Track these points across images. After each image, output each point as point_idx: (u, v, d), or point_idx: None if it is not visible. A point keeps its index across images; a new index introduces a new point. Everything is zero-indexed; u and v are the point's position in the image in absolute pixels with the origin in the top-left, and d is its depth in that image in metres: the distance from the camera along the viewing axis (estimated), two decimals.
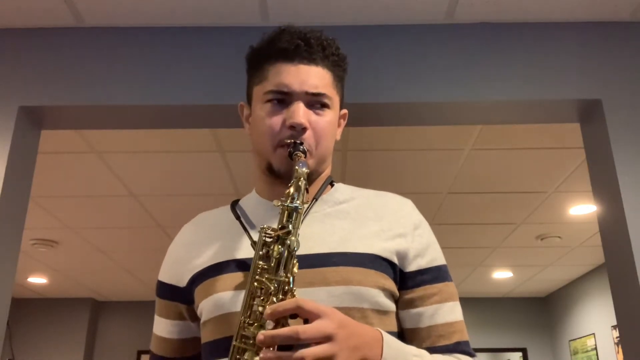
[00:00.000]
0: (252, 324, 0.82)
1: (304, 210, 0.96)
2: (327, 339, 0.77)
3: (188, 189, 3.53)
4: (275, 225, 0.88)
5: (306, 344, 0.76)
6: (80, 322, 6.53)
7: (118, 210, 3.87)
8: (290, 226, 0.85)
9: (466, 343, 0.97)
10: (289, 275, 0.83)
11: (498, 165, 3.22)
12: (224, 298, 0.92)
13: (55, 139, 2.88)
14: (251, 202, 1.06)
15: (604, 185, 1.92)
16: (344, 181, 3.38)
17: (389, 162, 3.19)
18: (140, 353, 6.62)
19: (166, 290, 1.05)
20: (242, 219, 1.01)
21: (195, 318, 1.03)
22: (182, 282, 1.01)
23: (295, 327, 0.76)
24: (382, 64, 1.97)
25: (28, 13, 1.96)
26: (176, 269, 1.04)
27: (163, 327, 1.07)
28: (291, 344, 0.76)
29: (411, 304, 0.96)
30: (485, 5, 1.94)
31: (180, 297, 1.02)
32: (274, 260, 0.84)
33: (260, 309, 0.81)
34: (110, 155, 3.09)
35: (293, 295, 0.83)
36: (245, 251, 0.96)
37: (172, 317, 1.05)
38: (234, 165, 3.21)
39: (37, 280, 5.79)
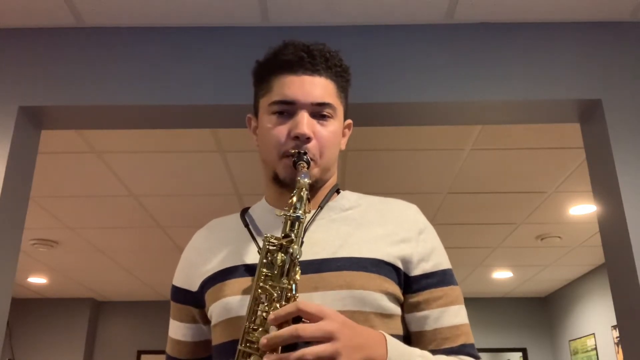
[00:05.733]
0: (256, 329, 0.84)
1: (310, 217, 0.99)
2: (329, 337, 0.78)
3: (188, 189, 3.53)
4: (279, 234, 0.90)
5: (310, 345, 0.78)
6: (80, 322, 6.53)
7: (118, 210, 3.87)
8: (293, 235, 0.88)
9: (471, 346, 0.98)
10: (291, 282, 0.86)
11: (498, 165, 3.22)
12: (231, 302, 0.95)
13: (55, 139, 2.88)
14: (260, 210, 1.09)
15: (604, 185, 1.92)
16: (344, 181, 3.38)
17: (389, 162, 3.19)
18: (140, 353, 6.62)
19: (179, 294, 1.09)
20: (250, 227, 1.04)
21: (206, 321, 1.06)
22: (194, 286, 1.05)
23: (295, 326, 0.78)
24: (382, 64, 1.97)
25: (28, 13, 1.96)
26: (188, 273, 1.07)
27: (177, 330, 1.10)
28: (295, 346, 0.78)
29: (417, 307, 0.98)
30: (485, 5, 1.94)
31: (193, 301, 1.06)
32: (277, 267, 0.86)
33: (264, 314, 0.84)
34: (110, 155, 3.09)
35: (295, 301, 0.85)
36: (252, 257, 0.98)
37: (186, 321, 1.09)
38: (234, 165, 3.21)
39: (37, 280, 5.79)
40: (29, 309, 6.57)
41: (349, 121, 1.12)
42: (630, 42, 2.00)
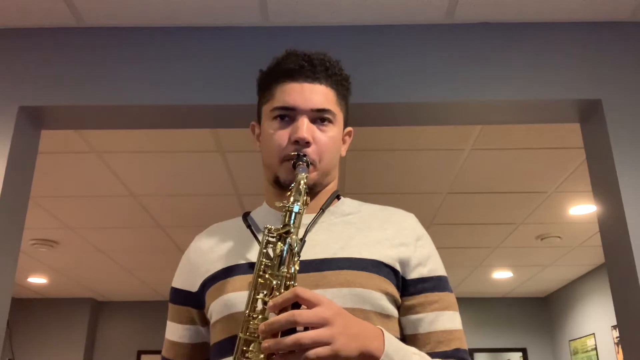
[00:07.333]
0: (256, 317, 0.86)
1: (311, 220, 1.03)
2: (324, 323, 0.79)
3: (188, 189, 3.53)
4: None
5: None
6: (80, 322, 6.53)
7: (118, 210, 3.87)
8: (291, 226, 0.90)
9: (465, 351, 1.00)
10: (290, 271, 0.87)
11: (498, 165, 3.22)
12: (232, 298, 0.97)
13: (55, 139, 2.88)
14: (262, 212, 1.12)
15: (604, 185, 1.92)
16: (344, 181, 3.38)
17: (389, 162, 3.19)
18: (140, 353, 6.62)
19: (179, 296, 1.11)
20: (252, 227, 1.07)
21: (204, 323, 1.07)
22: (194, 287, 1.07)
23: (292, 312, 0.80)
24: (382, 64, 1.97)
25: (28, 13, 1.96)
26: (189, 274, 1.09)
27: (175, 331, 1.12)
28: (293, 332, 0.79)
29: (412, 310, 0.99)
30: (485, 5, 1.94)
31: (192, 301, 1.07)
32: (276, 257, 0.88)
33: (264, 303, 0.86)
34: (110, 155, 3.09)
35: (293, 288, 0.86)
36: (254, 255, 1.00)
37: (184, 322, 1.10)
38: (234, 165, 3.21)
39: (37, 280, 5.79)
40: (29, 309, 6.58)
41: (350, 128, 1.15)
42: (630, 42, 2.00)
